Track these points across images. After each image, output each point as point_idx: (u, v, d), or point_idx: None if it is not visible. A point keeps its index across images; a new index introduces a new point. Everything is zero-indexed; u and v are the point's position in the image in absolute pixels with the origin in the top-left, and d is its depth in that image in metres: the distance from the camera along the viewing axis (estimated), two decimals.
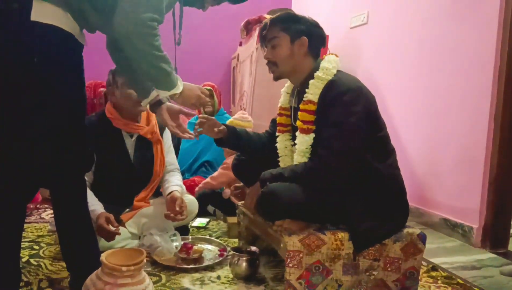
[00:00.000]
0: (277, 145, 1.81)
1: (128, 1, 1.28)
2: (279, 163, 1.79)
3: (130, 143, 2.10)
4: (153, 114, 2.17)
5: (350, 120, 1.49)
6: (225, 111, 3.48)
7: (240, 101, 3.89)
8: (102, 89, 3.42)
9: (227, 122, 2.74)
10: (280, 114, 1.82)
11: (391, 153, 1.64)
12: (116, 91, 2.01)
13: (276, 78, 1.73)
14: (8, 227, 1.30)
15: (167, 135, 2.28)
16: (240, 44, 4.09)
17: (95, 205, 1.84)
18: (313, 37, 1.66)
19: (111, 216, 1.81)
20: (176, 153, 2.87)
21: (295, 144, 1.66)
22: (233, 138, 1.83)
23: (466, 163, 2.39)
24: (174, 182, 2.12)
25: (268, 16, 3.43)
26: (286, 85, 1.84)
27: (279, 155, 1.80)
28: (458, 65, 2.44)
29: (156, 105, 1.67)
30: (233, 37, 4.30)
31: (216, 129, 1.79)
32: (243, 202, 1.98)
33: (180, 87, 1.50)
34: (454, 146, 2.47)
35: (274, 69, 1.70)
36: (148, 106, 1.68)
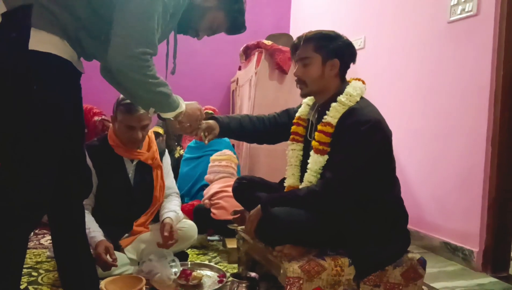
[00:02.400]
0: (288, 152, 1.81)
1: (120, 35, 1.28)
2: (286, 171, 1.78)
3: (130, 167, 2.11)
4: (154, 140, 2.20)
5: (362, 151, 1.51)
6: None
7: None
8: (96, 118, 3.36)
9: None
10: (297, 124, 1.81)
11: (396, 183, 1.66)
12: (115, 124, 2.05)
13: (303, 96, 1.75)
14: (11, 256, 1.27)
15: (167, 160, 2.30)
16: (239, 69, 4.15)
17: (95, 231, 1.83)
18: (344, 58, 1.66)
19: (111, 247, 1.80)
20: (175, 177, 2.87)
21: (305, 157, 1.65)
22: (225, 133, 1.82)
23: (465, 186, 2.39)
24: (170, 208, 2.12)
25: (267, 42, 3.51)
26: (308, 97, 1.84)
27: (288, 162, 1.79)
28: (455, 89, 2.47)
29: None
30: (233, 61, 4.36)
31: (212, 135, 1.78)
32: (243, 227, 1.97)
33: (182, 105, 1.51)
34: (453, 169, 2.48)
35: (303, 87, 1.70)
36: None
